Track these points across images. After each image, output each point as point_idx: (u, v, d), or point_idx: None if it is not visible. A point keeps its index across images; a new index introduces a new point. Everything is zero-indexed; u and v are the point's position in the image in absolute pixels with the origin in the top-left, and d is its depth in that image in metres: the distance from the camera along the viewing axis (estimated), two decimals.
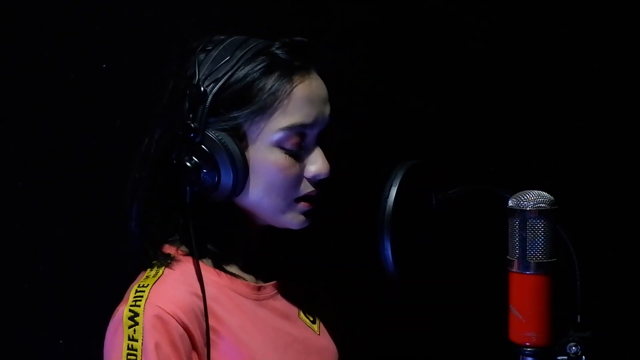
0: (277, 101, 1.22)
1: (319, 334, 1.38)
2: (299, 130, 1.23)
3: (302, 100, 1.23)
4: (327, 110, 1.28)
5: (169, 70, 1.28)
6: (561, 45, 1.85)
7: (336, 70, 1.75)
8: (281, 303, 1.33)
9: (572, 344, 1.11)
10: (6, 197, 1.71)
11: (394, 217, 1.18)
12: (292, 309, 1.35)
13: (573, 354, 1.10)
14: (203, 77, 1.22)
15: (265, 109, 1.22)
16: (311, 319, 1.38)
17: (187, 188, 1.22)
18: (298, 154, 1.25)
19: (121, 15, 1.71)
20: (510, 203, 1.12)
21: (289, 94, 1.22)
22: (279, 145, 1.23)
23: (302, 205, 1.27)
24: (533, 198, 1.10)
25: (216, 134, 1.21)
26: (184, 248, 1.27)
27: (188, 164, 1.21)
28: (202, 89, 1.21)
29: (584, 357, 1.10)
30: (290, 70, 1.23)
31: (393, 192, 1.19)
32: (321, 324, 1.40)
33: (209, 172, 1.21)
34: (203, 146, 1.21)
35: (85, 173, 1.72)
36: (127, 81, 1.70)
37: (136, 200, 1.27)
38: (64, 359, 1.74)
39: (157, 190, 1.26)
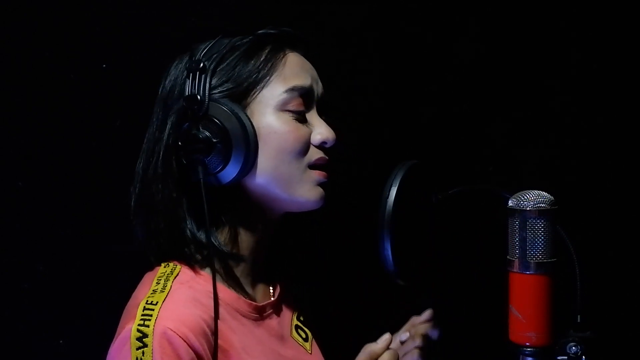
0: (273, 68, 1.25)
1: (311, 353, 1.37)
2: (300, 92, 1.25)
3: (296, 66, 1.27)
4: (320, 83, 1.30)
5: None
6: (561, 45, 1.85)
7: (336, 70, 1.77)
8: (276, 322, 1.32)
9: (572, 344, 1.11)
10: (6, 197, 1.71)
11: (394, 217, 1.18)
12: (286, 328, 1.34)
13: (573, 354, 1.10)
14: (201, 56, 1.24)
15: (263, 78, 1.24)
16: (303, 336, 1.37)
17: (199, 168, 1.20)
18: (302, 121, 1.26)
19: (121, 15, 1.71)
20: (510, 203, 1.12)
21: (284, 61, 1.26)
22: (284, 107, 1.24)
23: (317, 174, 1.26)
24: (533, 198, 1.10)
25: (224, 104, 1.21)
26: (197, 256, 1.24)
27: (200, 135, 1.20)
28: (201, 64, 1.23)
29: (584, 357, 1.10)
30: (280, 42, 1.28)
31: (393, 192, 1.19)
32: (313, 340, 1.39)
33: (221, 144, 1.20)
34: (212, 117, 1.21)
35: (85, 173, 1.72)
36: (127, 81, 1.69)
37: (147, 187, 1.25)
38: (64, 359, 1.74)
39: (170, 175, 1.23)
